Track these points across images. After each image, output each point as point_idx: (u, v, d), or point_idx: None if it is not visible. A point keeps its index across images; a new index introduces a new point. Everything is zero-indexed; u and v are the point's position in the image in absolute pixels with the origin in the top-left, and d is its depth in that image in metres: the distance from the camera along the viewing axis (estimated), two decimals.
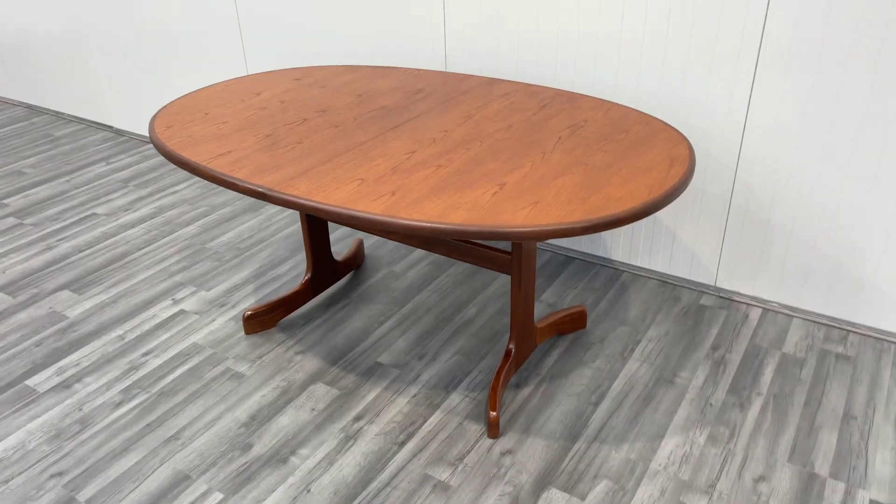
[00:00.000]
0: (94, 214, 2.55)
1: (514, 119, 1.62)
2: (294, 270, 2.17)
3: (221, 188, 2.73)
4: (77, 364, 1.80)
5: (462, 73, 2.12)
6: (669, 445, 1.50)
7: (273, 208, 2.56)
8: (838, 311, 1.84)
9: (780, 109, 1.70)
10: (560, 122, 1.59)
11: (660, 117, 1.85)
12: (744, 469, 1.44)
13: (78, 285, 2.13)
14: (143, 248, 2.33)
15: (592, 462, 1.47)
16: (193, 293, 2.08)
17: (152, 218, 2.52)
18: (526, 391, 1.67)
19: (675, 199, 1.28)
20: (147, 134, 3.17)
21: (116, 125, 3.28)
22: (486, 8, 1.99)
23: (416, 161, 1.42)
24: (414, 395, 1.66)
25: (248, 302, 2.03)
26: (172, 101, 1.79)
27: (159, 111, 1.73)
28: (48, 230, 2.45)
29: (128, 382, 1.73)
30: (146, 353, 1.83)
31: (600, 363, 1.75)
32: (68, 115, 3.47)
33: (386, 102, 1.75)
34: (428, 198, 1.27)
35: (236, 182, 1.36)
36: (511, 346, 1.66)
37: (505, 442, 1.53)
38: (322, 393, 1.68)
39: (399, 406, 1.63)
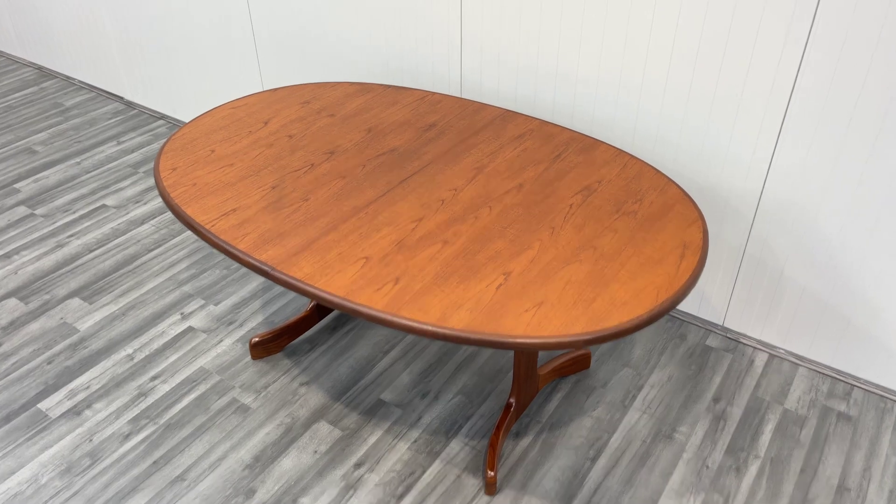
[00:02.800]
0: (105, 206, 2.54)
1: (525, 175, 1.57)
2: None
3: None
4: (87, 387, 1.84)
5: (477, 100, 2.05)
6: None
7: None
8: (845, 365, 1.83)
9: (806, 162, 1.64)
10: (573, 183, 1.54)
11: (679, 162, 1.79)
12: None
13: (88, 292, 2.15)
14: (153, 248, 2.34)
15: None
16: (202, 307, 2.09)
17: (162, 213, 2.51)
18: (525, 441, 1.69)
19: (682, 301, 1.26)
20: (158, 110, 3.12)
21: (127, 96, 3.22)
22: (504, 41, 1.90)
23: (423, 233, 1.39)
24: (414, 441, 1.69)
25: (257, 320, 2.04)
26: (179, 132, 1.76)
27: (165, 146, 1.69)
28: (59, 223, 2.45)
29: (136, 411, 1.77)
30: (154, 378, 1.86)
31: (601, 412, 1.76)
32: (79, 80, 3.41)
33: (396, 143, 1.70)
34: (431, 290, 1.26)
35: (240, 255, 1.35)
36: (512, 399, 1.67)
37: (501, 501, 1.56)
38: (325, 433, 1.72)
39: (399, 452, 1.67)
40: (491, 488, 1.57)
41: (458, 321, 1.19)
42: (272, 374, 1.88)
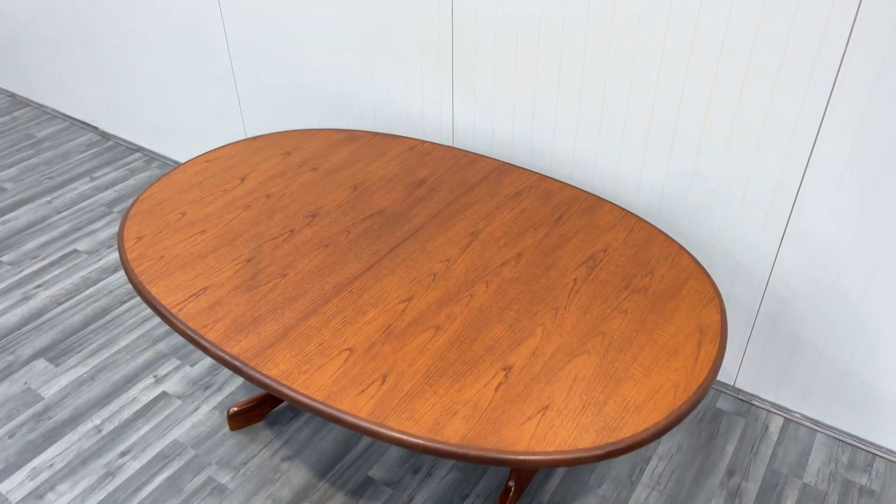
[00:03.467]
0: (76, 252, 2.39)
1: (524, 242, 1.44)
2: None
3: None
4: (51, 465, 1.70)
5: (471, 146, 1.92)
6: None
7: None
8: (866, 432, 1.71)
9: (827, 222, 1.52)
10: (576, 252, 1.42)
11: (688, 216, 1.67)
12: None
13: (54, 353, 2.00)
14: (126, 300, 2.19)
15: None
16: (177, 368, 1.95)
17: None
18: None
19: (702, 400, 1.13)
20: (133, 141, 2.97)
21: (102, 126, 3.07)
22: (499, 85, 1.77)
23: (413, 316, 1.26)
24: None
25: (236, 383, 1.90)
26: (147, 190, 1.62)
27: (131, 208, 1.55)
28: (26, 272, 2.30)
29: (103, 494, 1.63)
30: (124, 453, 1.72)
31: (606, 489, 1.63)
32: (52, 109, 3.26)
33: (383, 203, 1.57)
34: (422, 391, 1.12)
35: (210, 347, 1.21)
36: (511, 483, 1.54)
37: None
38: None
39: None
40: None
41: (454, 432, 1.06)
42: (252, 448, 1.74)
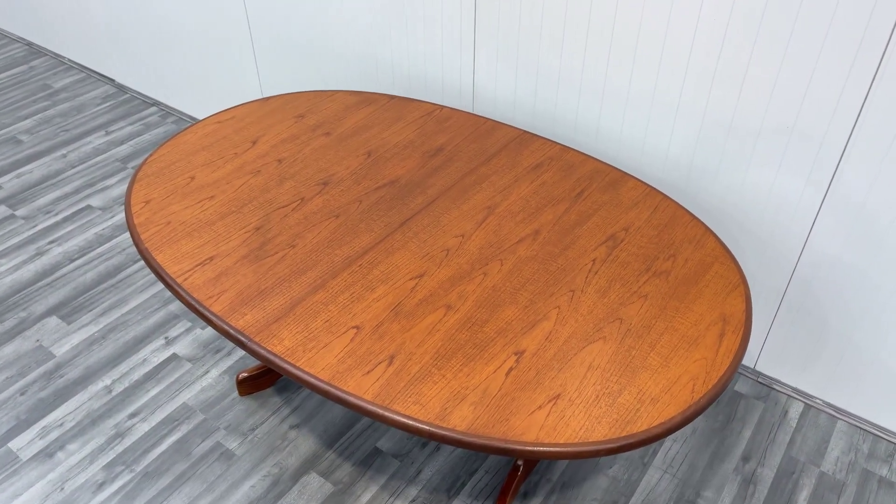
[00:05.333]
0: (89, 207, 2.37)
1: (542, 218, 1.38)
2: None
3: None
4: (61, 424, 1.70)
5: (490, 112, 1.85)
6: None
7: None
8: (889, 422, 1.66)
9: (861, 205, 1.44)
10: (596, 230, 1.36)
11: (716, 194, 1.59)
12: None
13: (67, 310, 2.00)
14: (138, 259, 2.17)
15: None
16: (188, 331, 1.94)
17: None
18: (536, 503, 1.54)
19: (721, 395, 1.08)
20: (149, 95, 2.92)
21: (118, 79, 3.02)
22: (523, 47, 1.68)
23: (424, 294, 1.22)
24: (412, 500, 1.55)
25: None
26: (156, 152, 1.57)
27: (139, 170, 1.52)
28: (39, 227, 2.29)
29: (112, 455, 1.63)
30: (133, 415, 1.72)
31: (618, 470, 1.60)
32: (69, 60, 3.21)
33: (398, 171, 1.51)
34: (430, 374, 1.09)
35: (214, 320, 1.18)
36: (520, 461, 1.52)
37: None
38: (315, 487, 1.57)
39: None
40: None
41: (461, 419, 1.02)
42: (260, 414, 1.73)
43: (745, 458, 1.63)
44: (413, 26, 1.87)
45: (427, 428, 1.01)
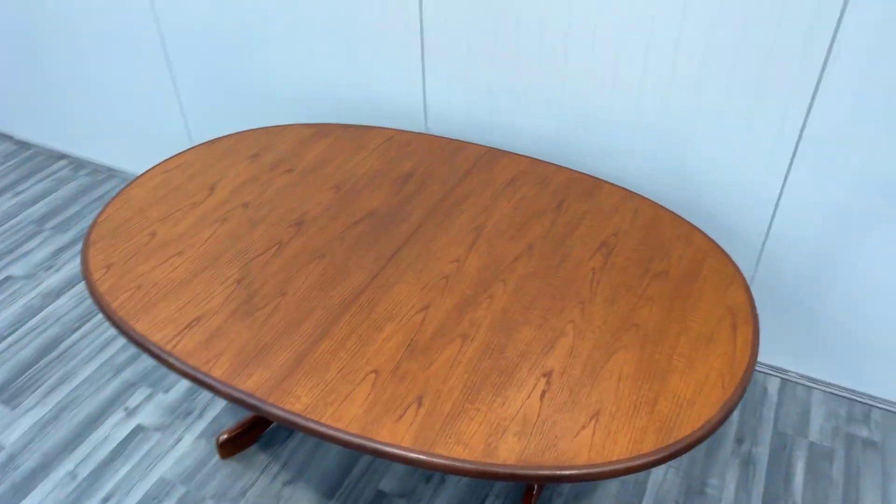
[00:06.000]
0: (11, 278, 2.17)
1: (531, 233, 1.37)
2: None
3: None
4: None
5: (446, 132, 1.82)
6: None
7: None
8: (860, 384, 1.75)
9: (823, 189, 1.51)
10: (587, 239, 1.35)
11: (679, 187, 1.64)
12: None
13: (8, 394, 1.81)
14: (78, 327, 2.00)
15: None
16: (148, 398, 1.80)
17: (81, 281, 2.16)
18: None
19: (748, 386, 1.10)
20: (56, 148, 2.71)
21: (18, 134, 2.79)
22: (476, 61, 1.67)
23: (434, 327, 1.17)
24: None
25: (218, 406, 1.77)
26: (104, 211, 1.45)
27: (91, 233, 1.39)
28: None
29: None
30: (106, 499, 1.57)
31: None
32: None
33: (373, 203, 1.46)
34: (464, 410, 1.04)
35: (218, 387, 1.09)
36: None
37: None
38: None
39: None
40: None
41: (509, 452, 0.99)
42: (248, 476, 1.62)
43: (739, 441, 1.68)
44: (357, 53, 1.82)
45: (477, 468, 0.97)
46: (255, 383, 1.09)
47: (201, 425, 1.73)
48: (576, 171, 1.54)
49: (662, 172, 1.64)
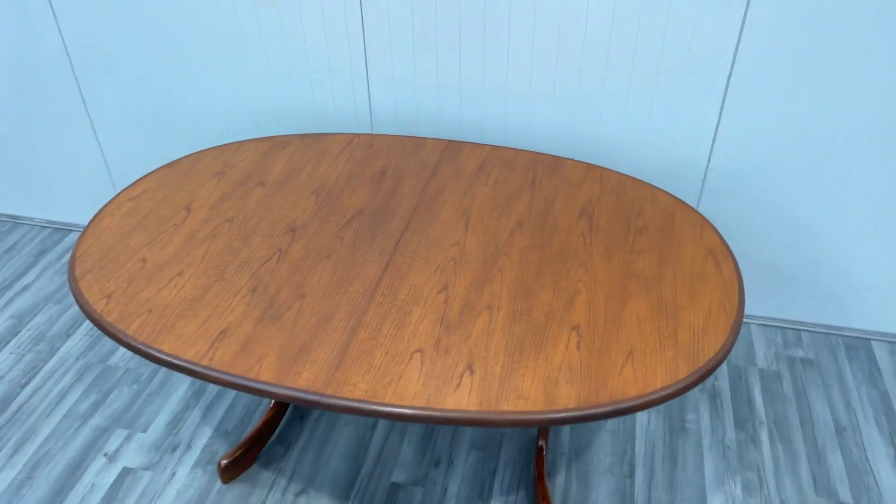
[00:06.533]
0: None
1: (517, 211, 1.47)
2: None
3: None
4: None
5: (395, 132, 1.89)
6: None
7: None
8: (788, 314, 1.99)
9: (752, 127, 1.72)
10: (567, 209, 1.47)
11: (626, 148, 1.80)
12: None
13: None
14: (26, 383, 1.87)
15: None
16: (127, 439, 1.72)
17: (15, 335, 2.01)
18: (560, 479, 1.62)
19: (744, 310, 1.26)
20: None
21: None
22: (420, 62, 1.75)
23: (459, 303, 1.24)
24: None
25: (205, 433, 1.72)
26: (80, 245, 1.39)
27: (74, 264, 1.33)
28: None
29: None
30: None
31: (613, 424, 1.74)
32: None
33: (358, 203, 1.50)
34: (514, 369, 1.12)
35: (270, 390, 1.10)
36: (542, 443, 1.59)
37: None
38: None
39: None
40: None
41: (566, 398, 1.08)
42: (258, 494, 1.60)
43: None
44: (295, 65, 1.85)
45: (545, 417, 1.05)
46: (307, 380, 1.11)
47: (192, 456, 1.68)
48: (536, 152, 1.66)
49: (605, 142, 1.80)
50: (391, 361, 1.14)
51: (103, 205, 1.83)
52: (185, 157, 1.67)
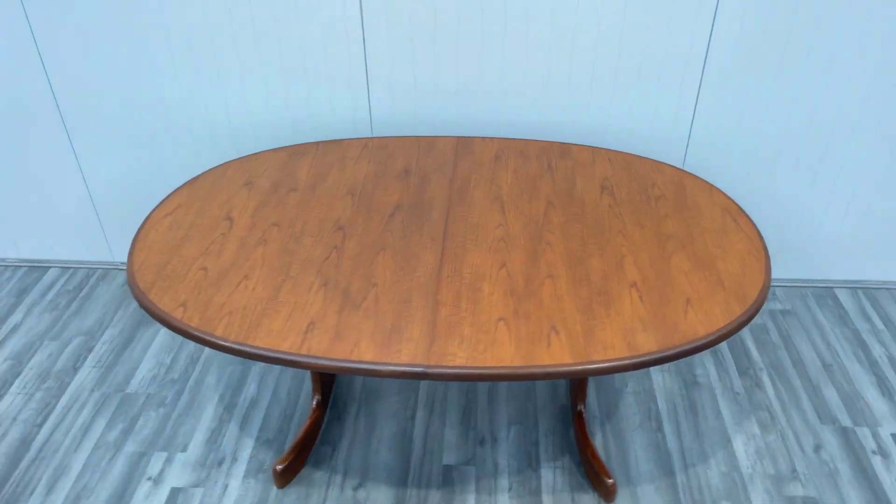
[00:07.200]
0: None
1: (543, 193, 1.59)
2: (260, 380, 1.88)
3: (75, 301, 2.18)
4: None
5: (396, 134, 1.97)
6: (740, 446, 1.71)
7: None
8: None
9: (722, 107, 1.91)
10: (588, 187, 1.60)
11: (612, 138, 1.96)
12: (803, 444, 1.72)
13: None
14: (42, 422, 1.80)
15: (703, 489, 1.62)
16: (168, 460, 1.70)
17: (17, 375, 1.94)
18: (599, 440, 1.73)
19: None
20: None
21: None
22: (420, 68, 1.85)
23: (522, 276, 1.34)
24: (510, 489, 1.63)
25: (248, 444, 1.73)
26: (134, 259, 1.39)
27: (135, 282, 1.33)
28: None
29: None
30: None
31: (632, 385, 1.88)
32: None
33: (393, 199, 1.58)
34: (592, 326, 1.23)
35: (374, 368, 1.15)
36: (581, 407, 1.70)
37: (623, 502, 1.60)
38: None
39: None
40: (612, 494, 1.59)
41: (646, 343, 1.19)
42: (317, 494, 1.62)
43: None
44: (295, 74, 1.90)
45: (634, 361, 1.16)
46: (409, 356, 1.17)
47: (241, 467, 1.68)
48: (544, 141, 1.79)
49: (597, 128, 1.95)
50: (479, 331, 1.22)
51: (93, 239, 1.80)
52: (207, 171, 1.69)
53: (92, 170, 2.11)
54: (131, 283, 1.34)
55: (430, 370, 1.15)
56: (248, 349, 1.19)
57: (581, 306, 1.27)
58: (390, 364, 1.16)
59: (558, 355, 1.17)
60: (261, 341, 1.20)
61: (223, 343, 1.20)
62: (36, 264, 2.35)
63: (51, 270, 2.34)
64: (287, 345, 1.20)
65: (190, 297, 1.30)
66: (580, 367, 1.15)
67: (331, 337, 1.21)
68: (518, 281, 1.33)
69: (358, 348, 1.19)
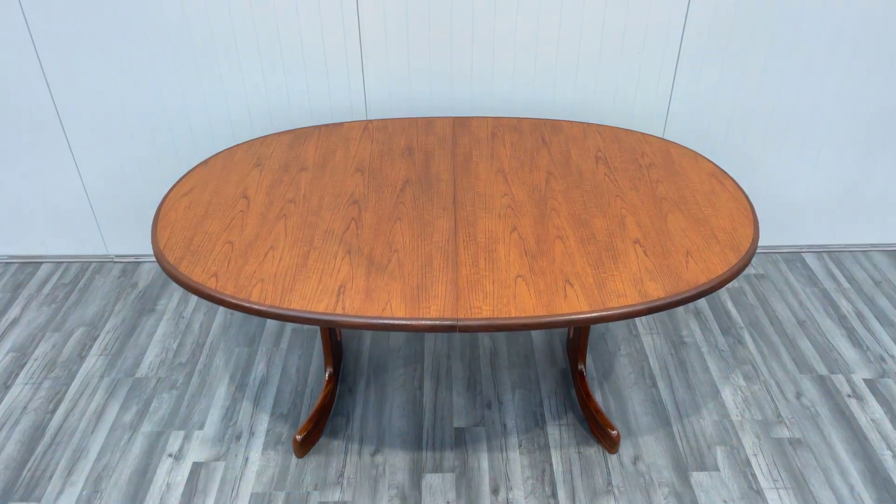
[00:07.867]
0: None
1: (542, 165, 1.68)
2: (269, 360, 1.93)
3: (73, 294, 2.19)
4: None
5: (391, 116, 2.05)
6: (728, 396, 1.84)
7: (172, 298, 2.17)
8: None
9: (696, 96, 2.04)
10: (584, 158, 1.71)
11: (596, 116, 2.07)
12: (785, 392, 1.85)
13: (22, 492, 1.61)
14: (54, 408, 1.82)
15: (698, 436, 1.74)
16: (187, 437, 1.74)
17: (22, 366, 1.95)
18: (598, 397, 1.84)
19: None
20: None
21: None
22: (415, 52, 1.93)
23: (532, 238, 1.43)
24: (520, 446, 1.72)
25: (264, 419, 1.78)
26: (157, 234, 1.44)
27: (161, 253, 1.38)
28: None
29: None
30: None
31: (626, 349, 1.99)
32: None
33: (401, 175, 1.65)
34: (603, 277, 1.33)
35: (408, 323, 1.23)
36: (582, 367, 1.80)
37: (626, 451, 1.70)
38: (438, 484, 1.63)
39: (518, 462, 1.68)
40: (616, 445, 1.69)
41: (655, 290, 1.30)
42: (336, 460, 1.68)
43: None
44: (291, 63, 1.96)
45: (646, 307, 1.27)
46: (437, 310, 1.25)
47: (259, 440, 1.73)
48: (535, 118, 1.89)
49: (583, 104, 2.06)
50: (501, 287, 1.31)
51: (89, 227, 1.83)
52: (216, 154, 1.74)
53: (87, 164, 2.13)
54: (159, 259, 1.39)
55: (459, 322, 1.23)
56: (284, 312, 1.26)
57: (591, 261, 1.37)
58: (423, 319, 1.24)
59: (576, 305, 1.27)
60: (296, 304, 1.27)
61: (259, 308, 1.27)
62: (27, 260, 2.35)
63: (43, 266, 2.34)
64: (322, 306, 1.26)
65: (220, 269, 1.36)
66: (598, 314, 1.25)
67: (362, 297, 1.28)
68: (530, 242, 1.43)
69: (390, 306, 1.27)
